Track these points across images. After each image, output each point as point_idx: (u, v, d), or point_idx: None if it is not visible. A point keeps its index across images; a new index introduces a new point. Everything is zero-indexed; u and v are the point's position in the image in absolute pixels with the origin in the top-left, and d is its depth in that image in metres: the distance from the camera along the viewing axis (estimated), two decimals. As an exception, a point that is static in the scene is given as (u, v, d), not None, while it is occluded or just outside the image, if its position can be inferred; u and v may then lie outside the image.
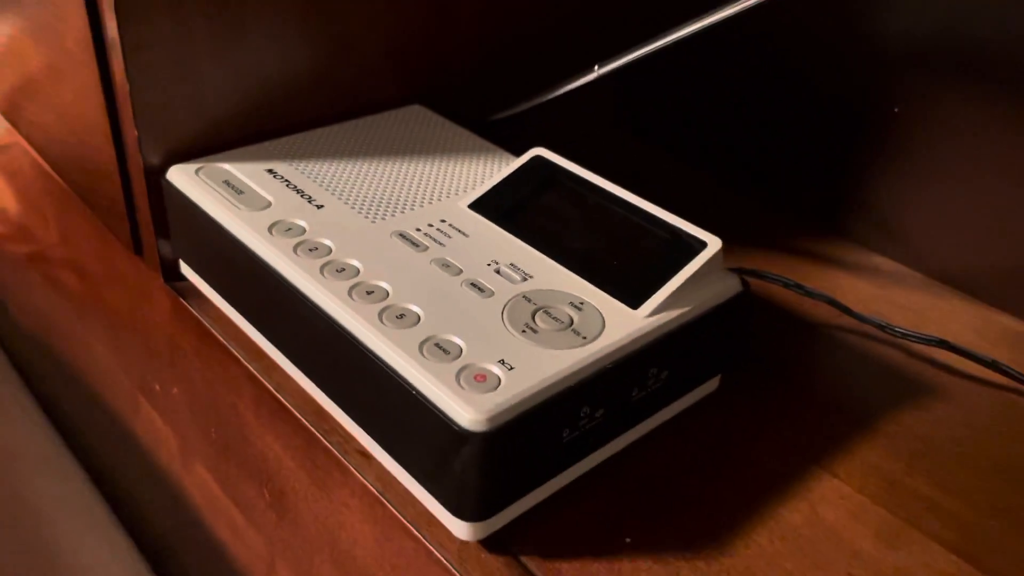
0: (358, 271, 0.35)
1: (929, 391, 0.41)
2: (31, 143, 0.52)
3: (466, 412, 0.29)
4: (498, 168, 0.44)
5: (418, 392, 0.30)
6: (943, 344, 0.41)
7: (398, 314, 0.33)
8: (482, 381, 0.30)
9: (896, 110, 0.48)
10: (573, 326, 0.33)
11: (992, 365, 0.41)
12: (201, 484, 0.54)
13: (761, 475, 0.37)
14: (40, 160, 0.53)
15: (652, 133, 0.62)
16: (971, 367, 0.42)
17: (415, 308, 0.33)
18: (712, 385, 0.40)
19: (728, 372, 0.40)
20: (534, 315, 0.34)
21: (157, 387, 0.53)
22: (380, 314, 0.33)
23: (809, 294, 0.44)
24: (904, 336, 0.42)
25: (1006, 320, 0.47)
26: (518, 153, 0.44)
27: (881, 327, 0.42)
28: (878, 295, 0.48)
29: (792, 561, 0.33)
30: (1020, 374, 0.40)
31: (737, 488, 0.36)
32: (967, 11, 0.44)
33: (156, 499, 0.64)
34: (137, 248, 0.45)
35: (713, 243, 0.36)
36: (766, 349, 0.43)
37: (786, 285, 0.43)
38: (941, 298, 0.48)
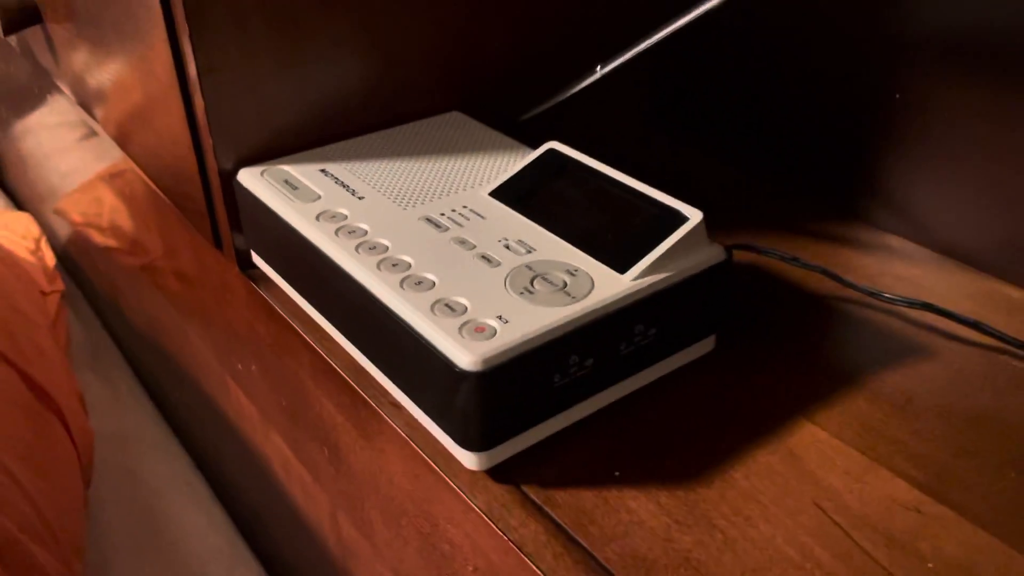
0: (387, 248, 0.42)
1: (916, 352, 0.44)
2: (137, 162, 0.61)
3: (464, 356, 0.35)
4: (520, 162, 0.49)
5: (427, 342, 0.36)
6: (927, 307, 0.44)
7: (416, 281, 0.39)
8: (481, 332, 0.36)
9: (897, 96, 0.51)
10: (566, 288, 0.39)
11: (975, 325, 0.43)
12: (278, 451, 0.61)
13: (746, 424, 0.41)
14: (147, 180, 0.62)
15: (673, 125, 0.67)
16: (960, 330, 0.45)
17: (431, 276, 0.39)
18: (708, 345, 0.44)
19: (717, 333, 0.44)
20: (532, 280, 0.39)
21: (240, 367, 0.61)
22: (402, 282, 0.39)
23: (804, 266, 0.47)
24: (891, 301, 0.45)
25: (1008, 290, 0.49)
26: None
27: (870, 294, 0.46)
28: (884, 270, 0.51)
29: (764, 494, 0.37)
30: (1003, 333, 0.43)
31: (721, 435, 0.40)
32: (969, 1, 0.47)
33: (245, 471, 0.72)
34: (217, 242, 0.53)
35: (694, 216, 0.41)
36: (764, 316, 0.47)
37: (782, 258, 0.47)
38: (946, 271, 0.51)
